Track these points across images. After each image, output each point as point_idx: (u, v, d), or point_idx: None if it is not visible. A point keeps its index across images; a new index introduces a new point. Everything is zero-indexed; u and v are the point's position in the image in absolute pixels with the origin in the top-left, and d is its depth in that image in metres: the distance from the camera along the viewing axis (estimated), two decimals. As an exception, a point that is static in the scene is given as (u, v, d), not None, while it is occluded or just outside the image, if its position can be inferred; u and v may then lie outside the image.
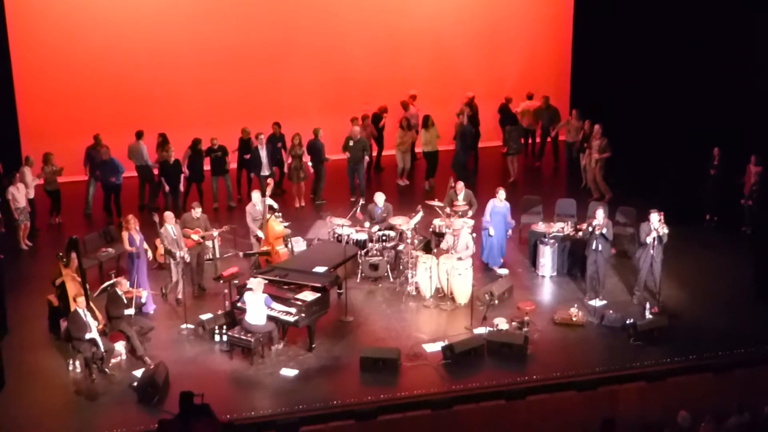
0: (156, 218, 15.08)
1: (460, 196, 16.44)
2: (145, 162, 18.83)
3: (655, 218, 14.34)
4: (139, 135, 18.86)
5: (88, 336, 12.78)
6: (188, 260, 14.87)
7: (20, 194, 16.88)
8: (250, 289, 13.47)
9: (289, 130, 19.21)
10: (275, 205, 16.18)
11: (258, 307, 13.30)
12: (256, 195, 16.12)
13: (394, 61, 21.72)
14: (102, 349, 12.84)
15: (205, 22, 20.59)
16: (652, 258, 14.47)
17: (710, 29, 17.98)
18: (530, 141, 21.70)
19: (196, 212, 15.40)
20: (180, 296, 14.90)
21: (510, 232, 16.36)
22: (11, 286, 14.96)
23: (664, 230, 14.32)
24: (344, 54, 21.56)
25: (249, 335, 13.17)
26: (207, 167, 19.01)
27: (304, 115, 20.31)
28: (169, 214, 15.00)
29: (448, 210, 16.16)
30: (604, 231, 14.61)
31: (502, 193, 15.92)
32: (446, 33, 22.07)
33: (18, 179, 16.93)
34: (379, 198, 16.39)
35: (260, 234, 15.84)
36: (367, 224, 16.10)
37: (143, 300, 14.19)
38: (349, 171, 19.50)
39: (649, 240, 14.38)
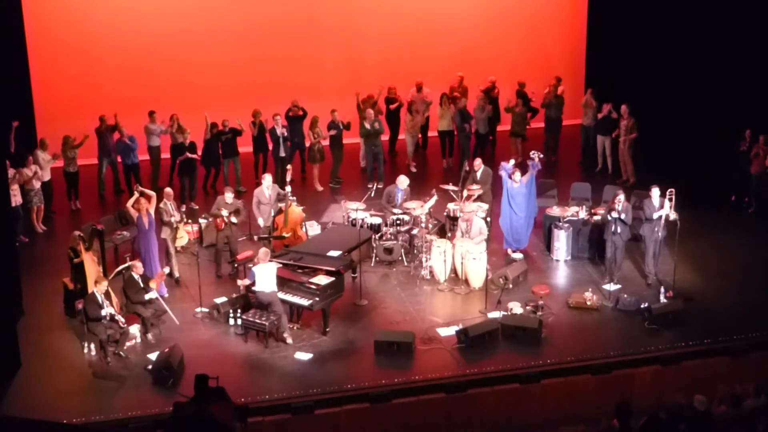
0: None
1: (479, 173, 16.38)
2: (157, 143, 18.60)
3: (656, 193, 14.32)
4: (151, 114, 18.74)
5: (105, 313, 12.80)
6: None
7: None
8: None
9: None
10: (288, 190, 15.97)
11: (269, 275, 13.38)
12: (268, 178, 16.06)
13: (410, 44, 21.56)
14: (119, 329, 12.90)
15: (220, 3, 20.53)
16: (657, 236, 14.45)
17: (731, 5, 17.75)
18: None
19: (229, 196, 15.32)
20: (176, 274, 15.06)
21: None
22: (27, 268, 15.03)
23: (674, 216, 14.33)
24: (360, 37, 21.45)
25: (263, 318, 13.20)
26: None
27: (319, 98, 20.20)
28: (168, 191, 15.14)
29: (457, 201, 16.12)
30: (623, 216, 14.54)
31: (517, 175, 15.78)
32: (461, 15, 21.90)
33: (31, 161, 16.92)
34: (403, 182, 16.33)
35: (260, 222, 15.80)
36: (395, 209, 16.02)
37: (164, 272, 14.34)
38: (369, 155, 19.28)
39: (655, 216, 14.33)
